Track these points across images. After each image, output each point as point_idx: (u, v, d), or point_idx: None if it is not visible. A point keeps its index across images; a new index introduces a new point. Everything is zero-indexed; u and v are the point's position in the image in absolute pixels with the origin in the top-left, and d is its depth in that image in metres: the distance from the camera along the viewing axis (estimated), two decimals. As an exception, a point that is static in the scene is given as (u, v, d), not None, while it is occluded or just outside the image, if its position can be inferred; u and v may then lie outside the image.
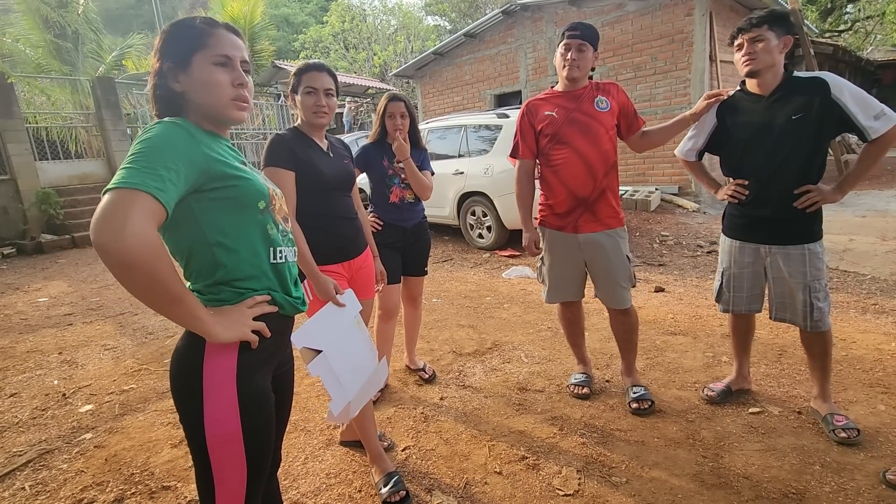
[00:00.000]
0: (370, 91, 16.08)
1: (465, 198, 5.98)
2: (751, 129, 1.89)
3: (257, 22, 14.67)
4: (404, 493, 1.75)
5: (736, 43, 1.90)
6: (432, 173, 2.60)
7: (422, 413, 2.33)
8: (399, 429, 2.22)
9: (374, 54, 21.51)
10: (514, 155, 2.26)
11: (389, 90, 16.20)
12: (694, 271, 4.43)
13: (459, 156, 6.06)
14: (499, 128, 5.71)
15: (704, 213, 6.89)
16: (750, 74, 1.87)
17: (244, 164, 1.08)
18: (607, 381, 2.51)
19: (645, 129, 2.23)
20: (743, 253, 2.01)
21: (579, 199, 2.11)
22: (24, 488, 2.02)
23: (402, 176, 2.48)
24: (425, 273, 2.66)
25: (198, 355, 0.98)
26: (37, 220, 8.19)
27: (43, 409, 2.69)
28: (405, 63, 13.36)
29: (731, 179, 2.02)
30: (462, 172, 5.87)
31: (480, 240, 5.97)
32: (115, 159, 9.58)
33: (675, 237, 5.68)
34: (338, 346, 1.42)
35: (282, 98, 13.24)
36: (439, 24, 25.61)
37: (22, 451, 2.29)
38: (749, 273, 2.02)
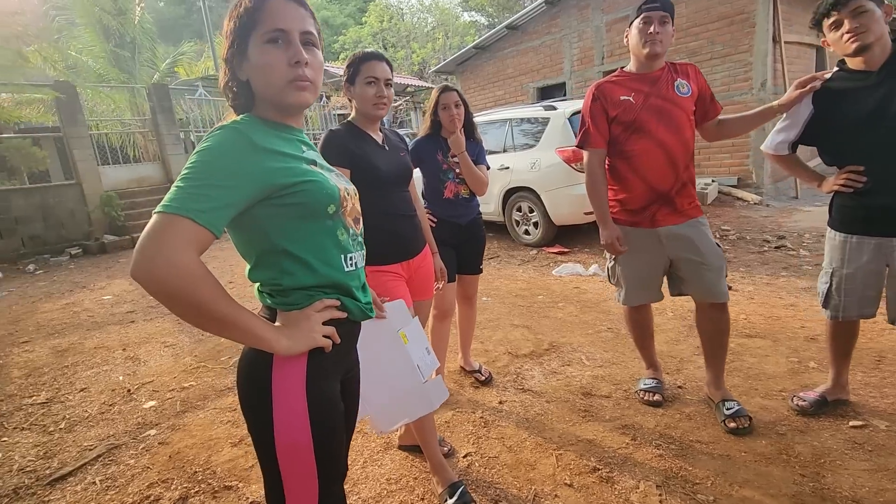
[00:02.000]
0: (410, 89, 16.14)
1: (510, 193, 5.84)
2: (863, 109, 1.67)
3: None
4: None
5: (830, 21, 1.69)
6: (488, 167, 2.50)
7: (481, 418, 2.23)
8: (458, 434, 2.13)
9: (413, 52, 21.58)
10: (583, 145, 2.07)
11: (429, 87, 16.25)
12: (763, 268, 4.12)
13: (504, 150, 5.92)
14: (546, 121, 5.53)
15: (767, 205, 6.45)
16: (859, 51, 1.65)
17: (315, 162, 1.00)
18: (680, 386, 2.33)
19: (721, 117, 2.04)
20: (860, 249, 1.77)
21: (658, 194, 1.94)
22: (94, 482, 2.06)
23: (457, 171, 2.38)
24: (480, 271, 2.56)
25: (265, 365, 0.92)
26: (100, 222, 8.66)
27: (110, 405, 2.77)
28: (444, 60, 13.29)
29: (837, 169, 1.80)
30: (507, 167, 5.73)
31: (527, 236, 5.81)
32: (169, 162, 10.01)
33: (737, 231, 5.32)
34: (367, 357, 1.28)
35: (324, 98, 13.46)
36: (476, 20, 25.39)
37: (92, 445, 2.36)
38: (865, 272, 1.78)
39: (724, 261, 2.00)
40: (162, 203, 0.78)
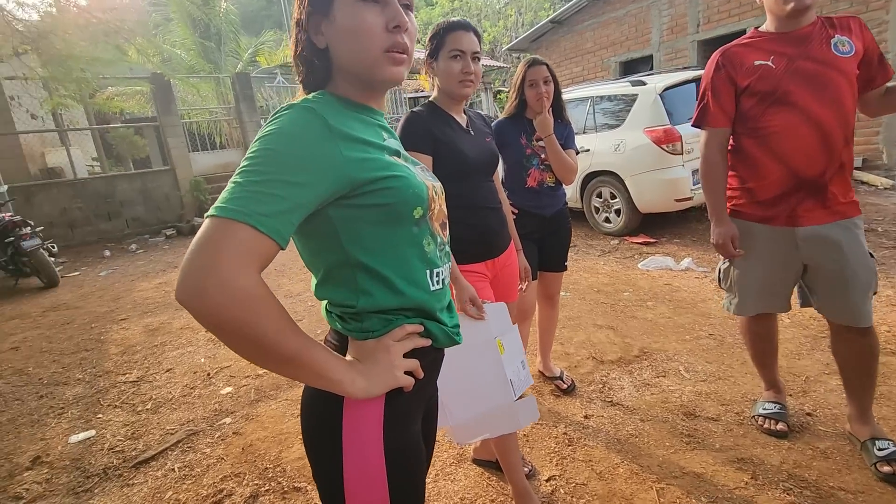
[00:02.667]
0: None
1: (589, 178, 5.42)
2: None
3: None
4: None
5: None
6: (577, 152, 2.21)
7: (564, 434, 2.00)
8: (539, 451, 1.92)
9: (484, 31, 21.01)
10: (699, 123, 1.72)
11: (501, 67, 15.73)
12: (902, 267, 3.46)
13: (584, 132, 5.48)
14: (633, 98, 5.02)
15: (901, 190, 5.49)
16: None
17: (398, 153, 0.81)
18: (808, 413, 1.95)
19: (890, 84, 1.60)
20: None
21: (802, 181, 1.56)
22: (173, 469, 2.10)
23: (543, 156, 2.12)
24: (565, 268, 2.30)
25: (335, 406, 0.76)
26: (191, 206, 9.27)
27: (191, 388, 2.85)
28: (517, 37, 12.72)
29: None
30: (587, 150, 5.30)
31: (607, 224, 5.38)
32: (251, 149, 10.49)
33: (865, 222, 4.55)
34: (455, 363, 1.13)
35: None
36: (552, -7, 24.13)
37: (174, 429, 2.42)
38: None
39: (875, 276, 1.60)
40: (216, 204, 0.61)
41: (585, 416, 2.10)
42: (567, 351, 2.73)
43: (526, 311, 2.17)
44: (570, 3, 9.43)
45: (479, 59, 1.48)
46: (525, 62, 2.08)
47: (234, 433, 2.31)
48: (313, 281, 0.82)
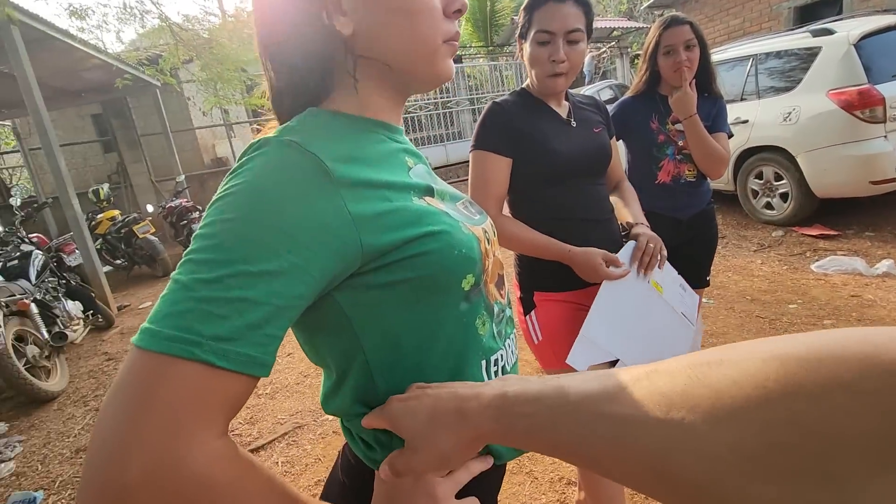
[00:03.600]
0: (616, 33, 14.26)
1: (746, 155, 4.49)
2: None
3: (497, -20, 14.52)
4: None
5: None
6: (730, 136, 1.72)
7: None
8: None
9: (621, -11, 19.04)
10: None
11: (641, 27, 14.15)
12: None
13: (742, 98, 4.54)
14: (813, 53, 3.97)
15: None
16: None
17: (431, 190, 0.56)
18: None
19: None
20: None
21: None
22: (277, 463, 2.17)
23: (680, 143, 1.68)
24: (707, 284, 1.83)
25: None
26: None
27: (305, 375, 2.98)
28: (661, -9, 11.19)
29: None
30: (745, 121, 4.38)
31: (769, 211, 4.43)
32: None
33: None
34: (634, 338, 1.10)
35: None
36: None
37: (283, 419, 2.53)
38: None
39: None
40: (145, 324, 0.40)
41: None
42: (706, 378, 2.23)
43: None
44: (730, -59, 7.90)
45: (578, 41, 1.15)
46: (660, 22, 1.64)
47: (333, 432, 2.33)
48: (323, 386, 0.60)
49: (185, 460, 0.37)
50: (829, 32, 3.95)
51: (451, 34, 0.56)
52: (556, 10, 1.12)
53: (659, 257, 1.22)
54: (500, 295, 0.62)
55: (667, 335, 1.21)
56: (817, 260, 3.39)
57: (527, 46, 1.19)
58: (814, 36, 4.04)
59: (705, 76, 1.66)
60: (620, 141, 1.77)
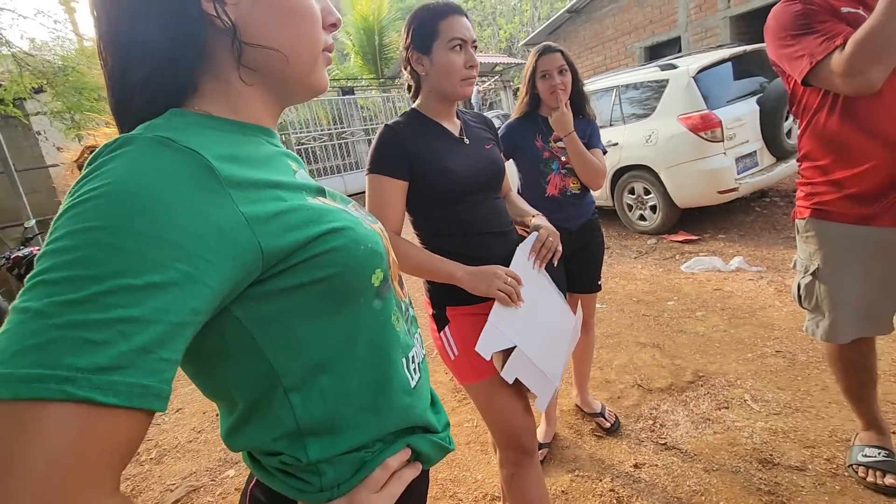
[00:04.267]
0: (498, 68, 15.37)
1: (620, 173, 5.02)
2: None
3: (385, 15, 14.96)
4: None
5: None
6: (605, 152, 1.89)
7: (611, 490, 1.67)
8: (582, 514, 1.60)
9: (500, 28, 20.69)
10: (813, 66, 1.18)
11: (520, 63, 15.36)
12: None
13: (611, 124, 5.09)
14: (663, 84, 4.60)
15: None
16: None
17: (323, 191, 0.53)
18: (923, 459, 1.55)
19: None
20: None
21: None
22: (169, 537, 1.88)
23: (563, 159, 1.81)
24: (599, 288, 1.97)
25: None
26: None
27: (199, 432, 2.65)
28: (533, 32, 12.34)
29: None
30: (615, 144, 4.91)
31: (642, 222, 4.96)
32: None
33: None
34: (531, 326, 1.15)
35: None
36: (567, -16, 23.58)
37: (175, 484, 2.21)
38: None
39: None
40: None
41: (635, 465, 1.76)
42: (607, 378, 2.38)
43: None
44: (587, -10, 9.00)
45: (476, 50, 1.20)
46: (536, 51, 1.78)
47: (236, 489, 2.08)
48: (222, 422, 0.52)
49: None
50: (674, 67, 4.61)
51: (328, 45, 0.55)
52: (461, 21, 1.16)
53: (555, 252, 1.25)
54: (403, 294, 0.61)
55: (556, 323, 1.26)
56: (685, 262, 3.84)
57: (437, 55, 1.17)
58: (661, 70, 4.69)
59: (579, 99, 1.83)
60: (510, 160, 1.86)
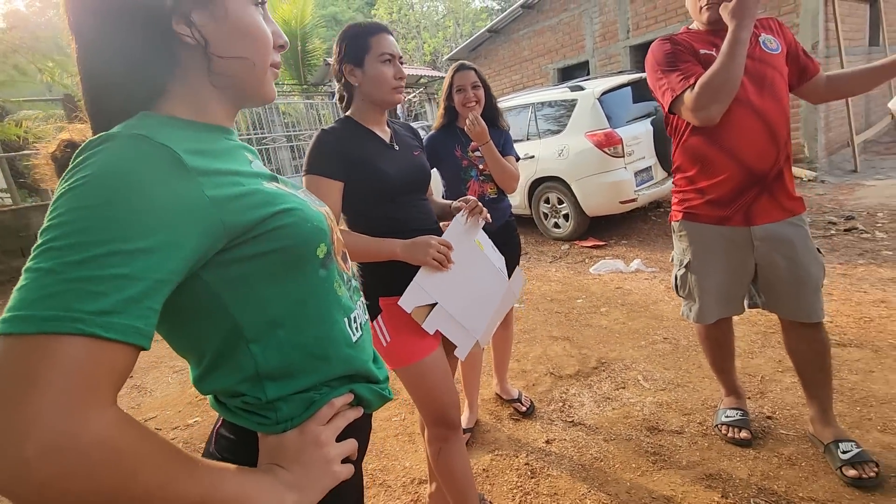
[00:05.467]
0: (423, 80, 15.68)
1: (536, 184, 5.40)
2: None
3: (308, 22, 14.72)
4: None
5: None
6: (518, 158, 2.10)
7: (526, 464, 1.85)
8: (500, 488, 1.76)
9: (424, 42, 21.13)
10: (676, 100, 1.47)
11: (443, 77, 15.78)
12: (833, 255, 3.60)
13: (528, 138, 5.47)
14: (573, 103, 5.05)
15: (823, 181, 5.83)
16: None
17: (276, 178, 0.64)
18: (769, 417, 1.90)
19: (828, 73, 1.60)
20: None
21: (755, 176, 1.51)
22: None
23: (481, 166, 2.00)
24: (516, 284, 2.17)
25: None
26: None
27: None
28: (456, 48, 12.80)
29: None
30: (532, 156, 5.29)
31: (557, 230, 5.37)
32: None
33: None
34: (456, 286, 1.30)
35: (336, 96, 13.15)
36: (488, 6, 24.66)
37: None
38: None
39: (823, 271, 1.58)
40: (7, 314, 0.40)
41: (547, 441, 1.97)
42: (524, 368, 2.60)
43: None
44: (507, 12, 9.55)
45: (403, 64, 1.35)
46: (452, 68, 1.97)
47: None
48: (192, 371, 0.61)
49: (84, 428, 0.38)
50: (581, 88, 5.07)
51: (276, 62, 0.65)
52: (389, 39, 1.32)
53: (483, 211, 1.43)
54: (346, 268, 0.72)
55: (486, 286, 1.41)
56: (593, 265, 4.23)
57: (369, 67, 1.30)
58: (571, 90, 5.14)
59: (492, 112, 2.02)
60: (434, 169, 2.02)
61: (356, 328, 0.68)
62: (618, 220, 5.24)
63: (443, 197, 2.03)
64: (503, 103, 5.92)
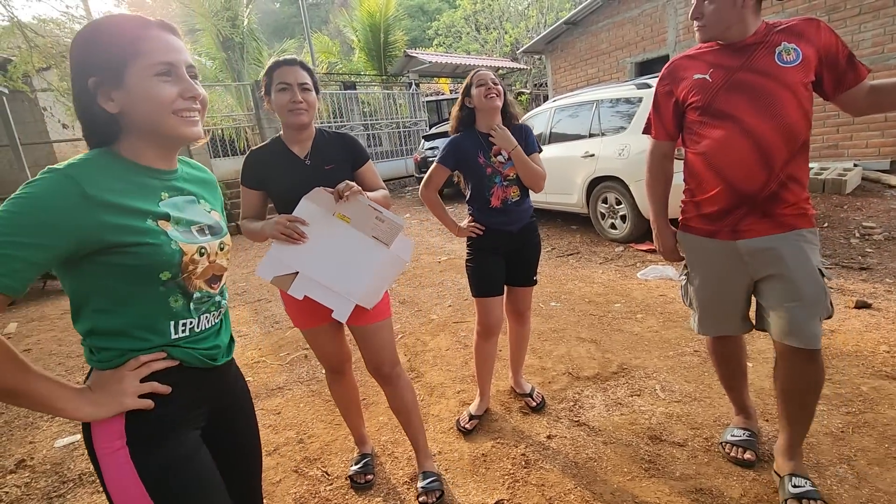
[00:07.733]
0: (501, 72, 15.62)
1: (595, 183, 5.30)
2: None
3: (392, 13, 15.19)
4: (440, 492, 1.76)
5: None
6: (540, 150, 2.15)
7: (523, 455, 1.95)
8: (493, 473, 1.88)
9: (506, 33, 20.90)
10: (647, 131, 1.78)
11: (521, 68, 15.59)
12: (919, 280, 3.23)
13: (590, 136, 5.37)
14: (638, 101, 4.88)
15: (931, 195, 5.15)
16: None
17: (168, 217, 0.88)
18: (781, 441, 1.83)
19: (874, 82, 1.45)
20: None
21: (742, 197, 1.48)
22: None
23: (504, 172, 2.06)
24: (534, 283, 2.24)
25: (87, 433, 0.86)
26: (211, 210, 9.55)
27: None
28: (535, 38, 12.61)
29: None
30: (593, 155, 5.19)
31: (613, 231, 5.25)
32: (269, 154, 10.73)
33: (885, 229, 4.29)
34: (316, 256, 1.43)
35: (413, 86, 13.52)
36: (575, -7, 23.77)
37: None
38: None
39: (825, 296, 1.46)
40: None
41: (548, 437, 2.04)
42: (544, 365, 2.67)
43: (491, 329, 2.13)
44: (585, 3, 9.26)
45: (309, 90, 1.60)
46: (471, 74, 2.05)
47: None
48: (71, 311, 0.90)
49: None
50: (648, 86, 4.88)
51: (178, 109, 0.86)
52: (290, 70, 1.57)
53: (349, 192, 1.48)
54: (212, 288, 0.95)
55: (354, 252, 1.50)
56: (642, 269, 4.12)
57: (272, 98, 1.59)
58: (637, 88, 4.97)
59: (506, 109, 2.07)
60: (456, 171, 2.12)
61: (182, 330, 0.91)
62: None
63: (467, 199, 2.14)
64: (570, 99, 5.84)
